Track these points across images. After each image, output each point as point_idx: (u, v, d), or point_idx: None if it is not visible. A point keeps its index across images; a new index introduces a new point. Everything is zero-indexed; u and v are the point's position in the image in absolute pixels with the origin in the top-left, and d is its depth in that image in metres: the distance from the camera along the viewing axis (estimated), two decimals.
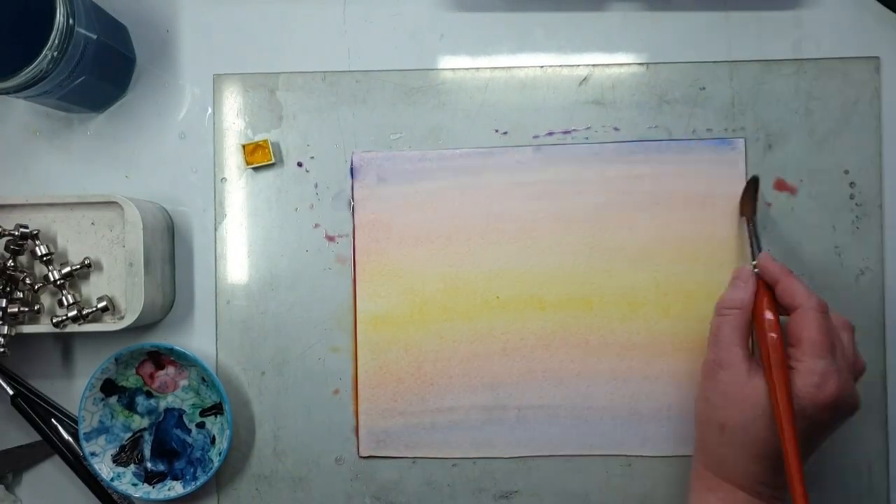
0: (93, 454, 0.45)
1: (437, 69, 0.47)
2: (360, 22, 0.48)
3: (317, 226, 0.47)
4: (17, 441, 0.48)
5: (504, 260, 0.46)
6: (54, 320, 0.43)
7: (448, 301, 0.45)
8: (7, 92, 0.40)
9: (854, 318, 0.44)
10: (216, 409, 0.47)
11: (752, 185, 0.44)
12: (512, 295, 0.45)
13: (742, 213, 0.45)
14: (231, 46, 0.48)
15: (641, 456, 0.46)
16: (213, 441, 0.47)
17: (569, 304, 0.45)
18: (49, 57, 0.39)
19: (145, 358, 0.47)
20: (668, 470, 0.46)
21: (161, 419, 0.48)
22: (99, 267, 0.46)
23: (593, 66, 0.47)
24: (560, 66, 0.47)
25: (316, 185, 0.47)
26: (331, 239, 0.47)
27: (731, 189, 0.45)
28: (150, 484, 0.46)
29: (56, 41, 0.39)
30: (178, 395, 0.48)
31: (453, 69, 0.47)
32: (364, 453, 0.46)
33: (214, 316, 0.48)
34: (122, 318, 0.45)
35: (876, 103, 0.46)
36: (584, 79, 0.47)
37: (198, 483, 0.45)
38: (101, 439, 0.46)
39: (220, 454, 0.45)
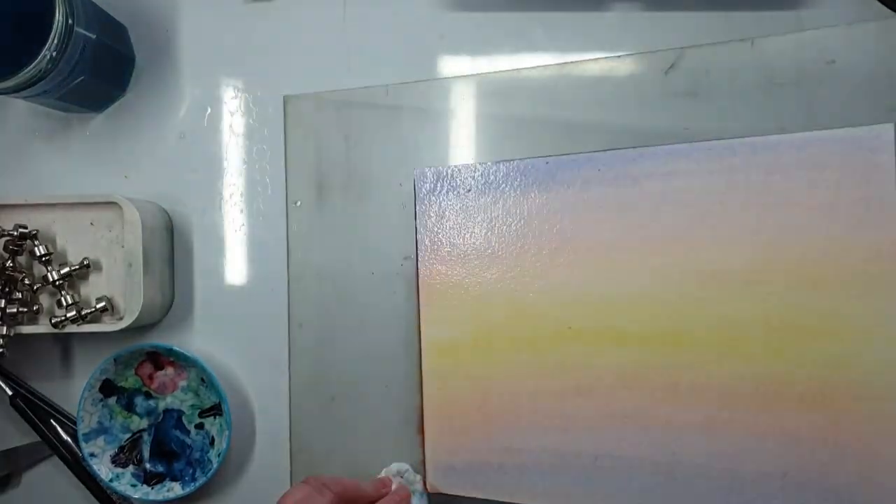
0: (92, 455, 0.45)
1: (498, 71, 0.44)
2: (360, 21, 0.48)
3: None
4: (16, 441, 0.48)
5: (578, 284, 0.39)
6: (53, 321, 0.43)
7: (514, 329, 0.40)
8: (6, 92, 0.40)
9: None
10: (215, 410, 0.47)
11: None
12: (587, 325, 0.39)
13: None
14: (230, 46, 0.48)
15: None
16: (212, 442, 0.47)
17: (654, 338, 0.38)
18: (48, 57, 0.39)
19: (144, 358, 0.47)
20: None
21: (160, 420, 0.48)
22: (98, 267, 0.46)
23: (682, 48, 0.40)
24: (641, 52, 0.41)
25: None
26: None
27: (872, 192, 0.34)
28: (149, 485, 0.46)
29: (55, 41, 0.39)
30: (178, 395, 0.47)
31: (511, 70, 0.44)
32: (432, 489, 0.42)
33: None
34: (121, 318, 0.44)
35: None
36: (672, 65, 0.40)
37: (197, 484, 0.45)
38: (100, 440, 0.46)
39: (219, 455, 0.45)
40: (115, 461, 0.46)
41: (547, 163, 0.40)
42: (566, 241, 0.40)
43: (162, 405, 0.48)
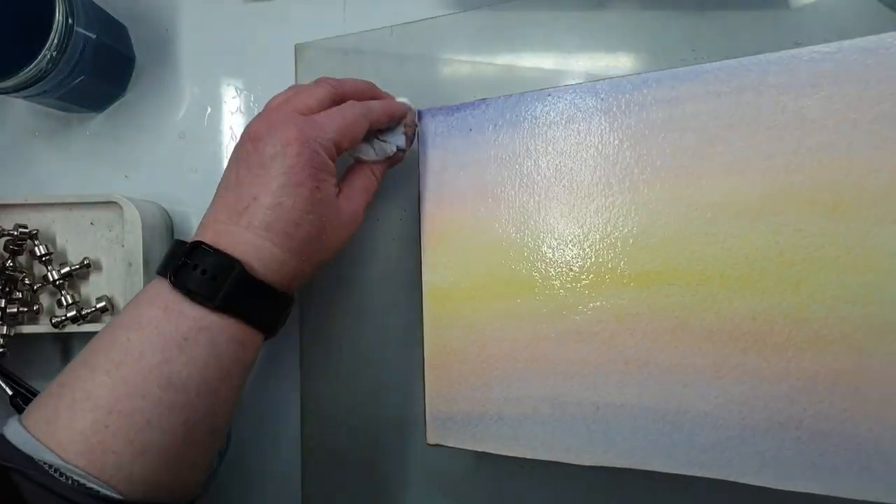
0: None
1: (502, 1, 0.43)
2: (360, 21, 0.48)
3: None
4: None
5: (579, 223, 0.37)
6: (53, 320, 0.43)
7: (512, 273, 0.38)
8: (6, 91, 0.40)
9: None
10: None
11: None
12: (587, 266, 0.37)
13: None
14: (230, 46, 0.48)
15: (756, 487, 0.33)
16: None
17: (658, 277, 0.35)
18: (48, 56, 0.39)
19: None
20: None
21: None
22: (98, 267, 0.46)
23: None
24: None
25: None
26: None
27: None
28: None
29: (55, 41, 0.39)
30: None
31: (515, 1, 0.43)
32: (431, 440, 0.40)
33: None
34: None
35: None
36: None
37: None
38: None
39: (220, 455, 0.45)
40: None
41: (549, 94, 0.38)
42: (567, 176, 0.38)
43: None
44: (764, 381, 0.33)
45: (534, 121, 0.39)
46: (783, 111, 0.33)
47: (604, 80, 0.37)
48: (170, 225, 0.48)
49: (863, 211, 0.31)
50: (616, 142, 0.36)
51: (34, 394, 0.48)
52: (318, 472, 0.46)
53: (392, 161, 0.41)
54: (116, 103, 0.49)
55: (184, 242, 0.34)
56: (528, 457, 0.38)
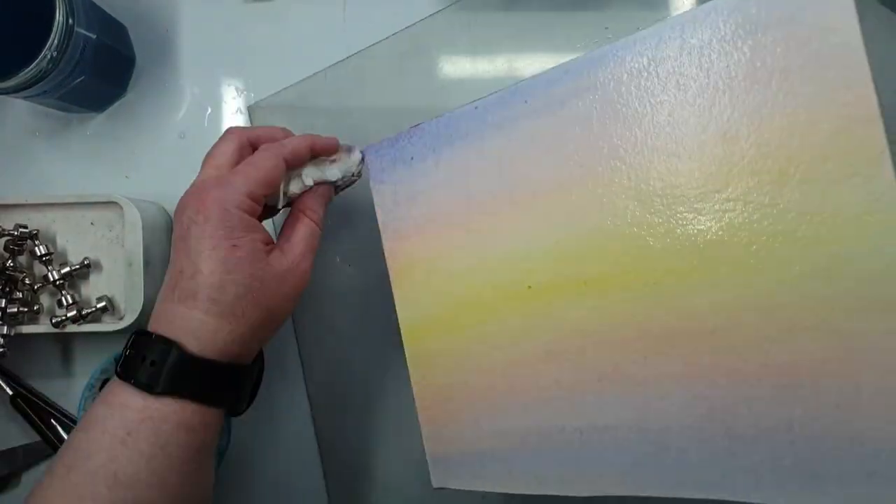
0: None
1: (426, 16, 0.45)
2: (360, 21, 0.48)
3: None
4: (16, 441, 0.48)
5: (531, 234, 0.34)
6: (53, 320, 0.43)
7: (476, 297, 0.36)
8: (7, 92, 0.40)
9: None
10: None
11: None
12: (545, 280, 0.34)
13: None
14: (230, 46, 0.48)
15: None
16: None
17: (613, 281, 0.32)
18: (48, 57, 0.39)
19: None
20: None
21: None
22: (98, 267, 0.46)
23: None
24: None
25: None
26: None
27: (831, 41, 0.27)
28: None
29: (55, 41, 0.39)
30: None
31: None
32: (436, 484, 0.38)
33: None
34: (121, 318, 0.44)
35: None
36: None
37: None
38: None
39: (219, 454, 0.45)
40: None
41: (476, 108, 0.36)
42: (507, 190, 0.35)
43: None
44: (741, 382, 0.29)
45: (467, 137, 0.37)
46: (708, 74, 0.30)
47: (527, 80, 0.35)
48: (170, 225, 0.48)
49: (813, 172, 0.27)
50: (545, 144, 0.34)
51: (34, 393, 0.48)
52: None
53: (325, 198, 0.40)
54: (116, 103, 0.49)
55: (142, 333, 0.34)
56: (524, 492, 0.35)
